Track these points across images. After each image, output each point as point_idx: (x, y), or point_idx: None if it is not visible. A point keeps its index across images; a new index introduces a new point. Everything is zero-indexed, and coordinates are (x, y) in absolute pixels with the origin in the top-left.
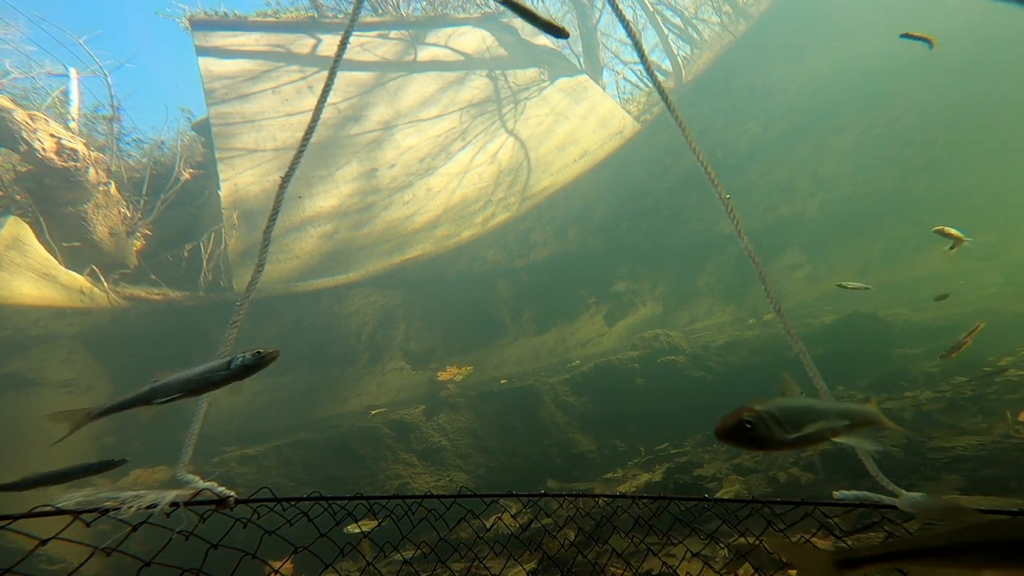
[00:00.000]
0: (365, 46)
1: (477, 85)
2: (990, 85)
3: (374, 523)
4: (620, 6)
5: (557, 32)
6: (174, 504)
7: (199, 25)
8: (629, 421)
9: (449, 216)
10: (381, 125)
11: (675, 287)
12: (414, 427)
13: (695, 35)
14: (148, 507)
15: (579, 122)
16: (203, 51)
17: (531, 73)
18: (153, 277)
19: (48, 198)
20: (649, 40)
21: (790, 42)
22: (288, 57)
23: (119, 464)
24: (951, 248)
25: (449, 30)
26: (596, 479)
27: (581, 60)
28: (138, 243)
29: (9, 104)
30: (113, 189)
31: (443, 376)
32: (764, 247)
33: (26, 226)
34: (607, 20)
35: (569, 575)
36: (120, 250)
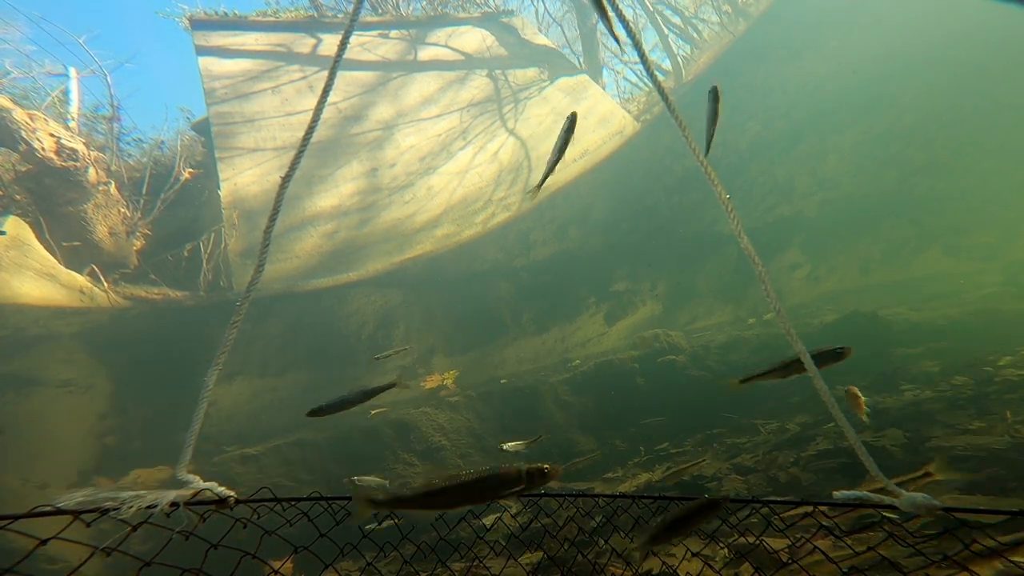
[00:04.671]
0: (366, 46)
1: (477, 84)
2: (990, 86)
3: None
4: (620, 6)
5: None
6: (174, 504)
7: (199, 25)
8: (629, 421)
9: (450, 216)
10: (382, 124)
11: (675, 287)
12: (414, 427)
13: (695, 35)
14: (148, 507)
15: (579, 121)
16: (203, 51)
17: (531, 73)
18: (153, 277)
19: (48, 198)
20: (649, 40)
21: (790, 42)
22: (288, 57)
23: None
24: None
25: (449, 30)
26: (596, 479)
27: (581, 60)
28: (138, 243)
29: (9, 104)
30: (113, 189)
31: (427, 384)
32: (764, 247)
33: (26, 226)
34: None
35: (569, 575)
36: (120, 250)
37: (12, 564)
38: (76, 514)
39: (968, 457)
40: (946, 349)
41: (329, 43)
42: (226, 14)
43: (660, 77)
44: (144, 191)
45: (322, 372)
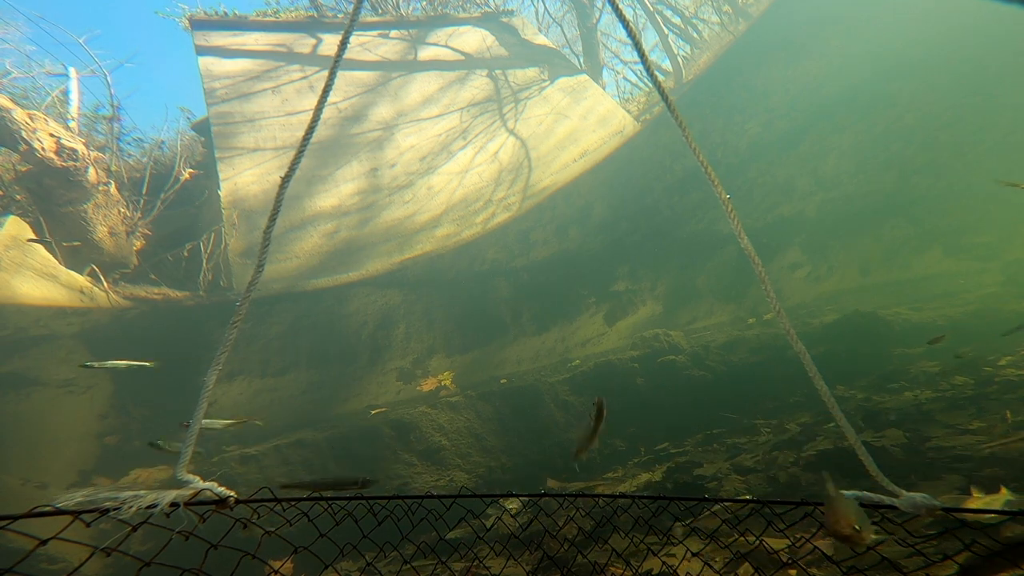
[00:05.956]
0: (366, 46)
1: (478, 84)
2: (990, 85)
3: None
4: (620, 6)
5: None
6: (174, 504)
7: (199, 25)
8: (629, 421)
9: (450, 216)
10: (382, 124)
11: (675, 287)
12: (414, 427)
13: (695, 35)
14: (148, 507)
15: (579, 122)
16: (203, 51)
17: (531, 72)
18: (153, 277)
19: (48, 198)
20: (649, 40)
21: (790, 42)
22: (288, 57)
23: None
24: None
25: (449, 30)
26: (596, 479)
27: (581, 60)
28: (138, 243)
29: (9, 104)
30: (113, 189)
31: (424, 387)
32: (764, 247)
33: (26, 226)
34: (607, 20)
35: (569, 575)
36: (120, 250)
37: (12, 564)
38: (76, 514)
39: (968, 457)
40: (946, 349)
41: (329, 43)
42: (226, 14)
43: (660, 77)
44: (144, 191)
45: (322, 372)
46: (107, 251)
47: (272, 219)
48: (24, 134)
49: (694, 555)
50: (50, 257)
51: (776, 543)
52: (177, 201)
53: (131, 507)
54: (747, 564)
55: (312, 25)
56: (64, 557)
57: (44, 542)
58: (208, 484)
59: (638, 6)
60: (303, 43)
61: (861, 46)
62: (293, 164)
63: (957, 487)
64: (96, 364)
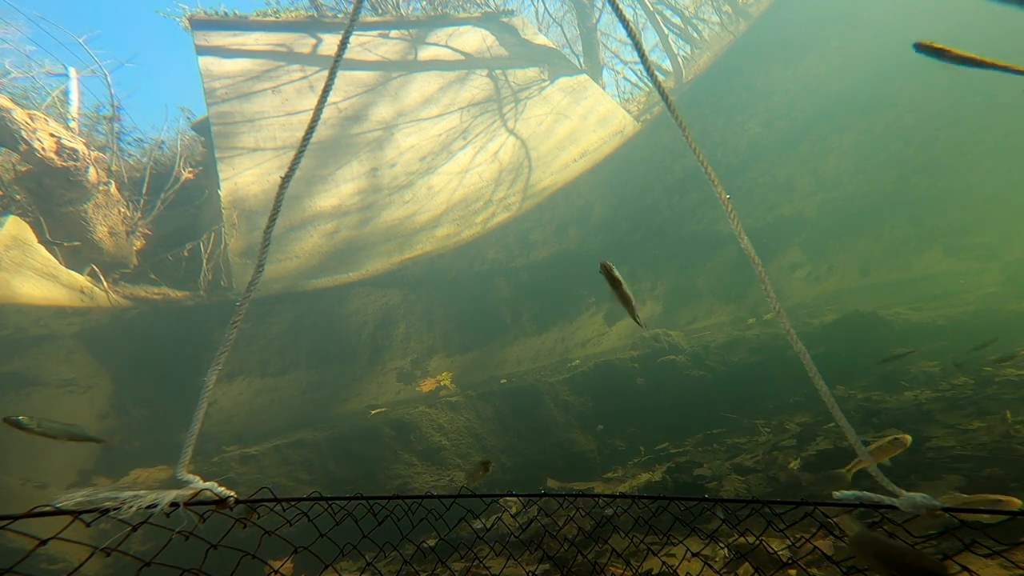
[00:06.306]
0: (366, 46)
1: (478, 84)
2: (990, 85)
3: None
4: (620, 6)
5: None
6: (174, 504)
7: (199, 25)
8: (629, 421)
9: (450, 216)
10: (382, 124)
11: (675, 287)
12: (414, 427)
13: (695, 35)
14: (148, 507)
15: (579, 121)
16: (203, 51)
17: (531, 72)
18: (153, 277)
19: (48, 198)
20: (649, 40)
21: (790, 42)
22: (289, 57)
23: None
24: None
25: (450, 30)
26: (596, 479)
27: (581, 60)
28: (138, 243)
29: (9, 104)
30: (113, 189)
31: (423, 388)
32: (764, 247)
33: (26, 226)
34: (607, 20)
35: (569, 575)
36: (120, 250)
37: (12, 564)
38: (76, 514)
39: (968, 457)
40: (946, 349)
41: (329, 43)
42: (226, 14)
43: (660, 77)
44: (144, 191)
45: (322, 372)
46: (107, 251)
47: (272, 219)
48: (24, 134)
49: (694, 555)
50: (50, 257)
51: (776, 543)
52: (177, 201)
53: (131, 507)
54: (747, 564)
55: (312, 25)
56: (64, 557)
57: (44, 542)
58: (208, 484)
59: (638, 6)
60: (303, 43)
61: (861, 46)
62: (293, 164)
63: (957, 487)
64: None
